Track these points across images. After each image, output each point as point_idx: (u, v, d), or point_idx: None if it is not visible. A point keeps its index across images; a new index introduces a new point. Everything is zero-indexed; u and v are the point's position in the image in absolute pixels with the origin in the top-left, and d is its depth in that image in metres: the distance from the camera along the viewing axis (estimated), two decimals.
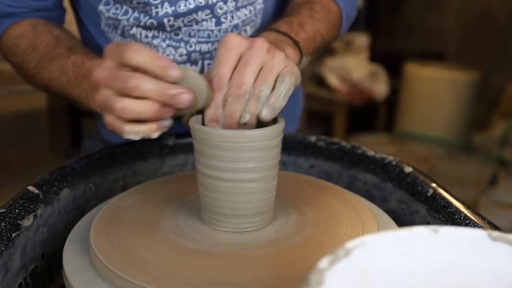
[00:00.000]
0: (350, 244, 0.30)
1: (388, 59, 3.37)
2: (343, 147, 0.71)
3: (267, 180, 0.50)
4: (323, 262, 0.28)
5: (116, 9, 0.71)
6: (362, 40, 3.25)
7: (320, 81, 2.98)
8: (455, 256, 0.31)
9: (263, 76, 0.50)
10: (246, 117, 0.50)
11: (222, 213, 0.50)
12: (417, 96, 3.11)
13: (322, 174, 0.73)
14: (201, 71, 0.75)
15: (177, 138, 0.72)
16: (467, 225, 0.51)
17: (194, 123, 0.50)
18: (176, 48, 0.73)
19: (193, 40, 0.73)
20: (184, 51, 0.74)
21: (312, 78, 3.02)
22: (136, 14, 0.70)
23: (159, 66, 0.47)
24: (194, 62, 0.75)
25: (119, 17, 0.71)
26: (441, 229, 0.31)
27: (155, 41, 0.72)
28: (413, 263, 0.31)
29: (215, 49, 0.75)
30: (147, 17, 0.70)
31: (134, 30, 0.71)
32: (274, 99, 0.50)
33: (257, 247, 0.48)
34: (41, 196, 0.56)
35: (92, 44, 0.77)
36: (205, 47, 0.74)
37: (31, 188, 0.55)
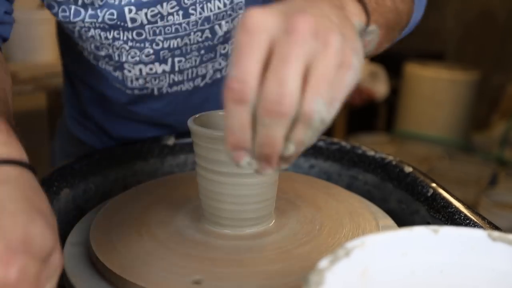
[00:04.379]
0: (350, 244, 0.30)
1: (388, 59, 3.36)
2: (343, 147, 0.71)
3: (268, 183, 0.50)
4: (323, 262, 0.28)
5: (64, 11, 0.62)
6: None
7: None
8: (455, 256, 0.31)
9: (315, 85, 0.33)
10: (291, 149, 0.35)
11: (223, 216, 0.50)
12: (417, 96, 3.11)
13: (322, 174, 0.73)
14: (172, 69, 0.69)
15: (177, 138, 0.72)
16: (467, 225, 0.51)
17: (193, 125, 0.49)
18: (141, 49, 0.66)
19: (159, 38, 0.66)
20: (151, 51, 0.67)
21: None
22: (91, 11, 0.62)
23: None
24: (163, 61, 0.68)
25: (72, 19, 0.62)
26: (441, 229, 0.31)
27: (117, 43, 0.65)
28: (413, 263, 0.31)
29: (186, 44, 0.67)
30: (105, 10, 0.61)
31: (92, 32, 0.63)
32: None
33: (258, 249, 0.48)
34: None
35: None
36: (174, 43, 0.67)
37: None
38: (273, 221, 0.52)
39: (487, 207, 2.15)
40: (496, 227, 0.49)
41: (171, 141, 0.72)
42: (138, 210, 0.54)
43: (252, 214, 0.50)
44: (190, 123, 0.49)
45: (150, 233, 0.50)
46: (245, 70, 0.33)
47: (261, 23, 0.34)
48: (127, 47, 0.66)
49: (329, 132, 2.97)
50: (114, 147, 0.70)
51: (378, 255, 0.30)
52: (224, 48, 0.70)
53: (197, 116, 0.51)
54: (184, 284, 0.42)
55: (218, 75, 0.73)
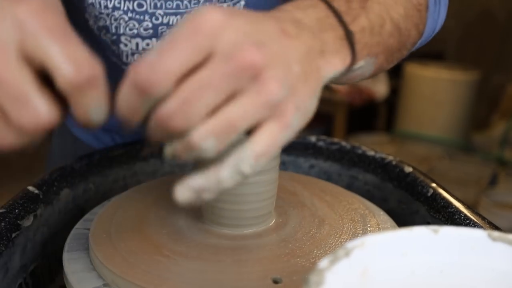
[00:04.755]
0: (350, 244, 0.30)
1: None
2: (343, 147, 0.71)
3: (268, 182, 0.50)
4: (323, 262, 0.28)
5: None
6: None
7: None
8: (455, 256, 0.31)
9: (214, 123, 0.31)
10: (169, 151, 0.33)
11: (222, 215, 0.50)
12: (417, 96, 3.11)
13: (322, 174, 0.73)
14: None
15: None
16: (467, 225, 0.51)
17: None
18: (140, 21, 0.65)
19: (159, 12, 0.64)
20: (150, 25, 0.65)
21: None
22: None
23: None
24: (161, 37, 0.66)
25: None
26: (441, 229, 0.31)
27: (116, 13, 0.64)
28: (413, 263, 0.31)
29: None
30: None
31: None
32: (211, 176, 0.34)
33: (258, 249, 0.48)
34: (41, 196, 0.56)
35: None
36: (173, 20, 0.65)
37: (31, 188, 0.55)
38: (273, 220, 0.52)
39: (487, 207, 2.15)
40: (496, 227, 0.49)
41: None
42: (138, 210, 0.54)
43: (252, 214, 0.50)
44: None
45: (151, 233, 0.50)
46: (166, 68, 0.30)
47: (211, 28, 0.31)
48: (126, 18, 0.65)
49: (329, 132, 2.97)
50: (114, 147, 0.70)
51: (378, 255, 0.30)
52: None
53: None
54: (184, 284, 0.42)
55: None
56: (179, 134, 0.31)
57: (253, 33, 0.32)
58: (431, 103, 3.05)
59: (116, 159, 0.68)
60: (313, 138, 0.73)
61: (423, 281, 0.31)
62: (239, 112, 0.31)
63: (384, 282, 0.30)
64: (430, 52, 3.40)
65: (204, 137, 0.31)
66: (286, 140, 0.33)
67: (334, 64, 0.38)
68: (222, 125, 0.31)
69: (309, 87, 0.35)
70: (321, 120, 3.05)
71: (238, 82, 0.31)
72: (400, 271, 0.31)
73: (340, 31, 0.39)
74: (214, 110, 0.31)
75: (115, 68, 0.72)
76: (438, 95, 3.03)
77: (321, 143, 0.72)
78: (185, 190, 0.33)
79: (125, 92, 0.32)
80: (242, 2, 0.68)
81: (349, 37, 0.40)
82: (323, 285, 0.26)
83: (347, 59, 0.39)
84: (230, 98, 0.31)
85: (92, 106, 0.34)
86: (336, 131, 2.91)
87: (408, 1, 0.49)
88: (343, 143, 0.71)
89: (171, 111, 0.30)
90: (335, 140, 0.72)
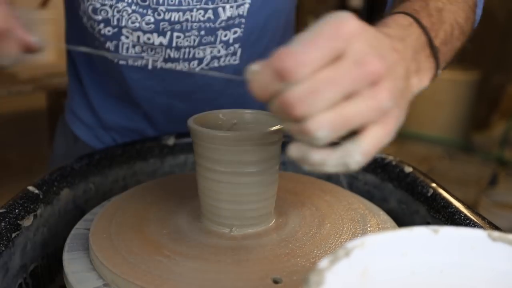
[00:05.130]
0: (350, 244, 0.30)
1: None
2: None
3: (267, 182, 0.50)
4: (323, 262, 0.28)
5: None
6: None
7: None
8: (455, 256, 0.31)
9: (331, 115, 0.34)
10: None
11: (222, 215, 0.50)
12: (417, 96, 3.09)
13: (322, 174, 0.72)
14: (169, 44, 0.69)
15: (177, 138, 0.72)
16: (467, 225, 0.51)
17: (193, 124, 0.49)
18: (142, 15, 0.66)
19: (161, 8, 0.66)
20: (152, 19, 0.67)
21: None
22: None
23: None
24: (162, 33, 0.68)
25: None
26: (441, 229, 0.31)
27: (120, 5, 0.66)
28: (413, 263, 0.31)
29: (187, 20, 0.68)
30: None
31: None
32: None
33: (258, 249, 0.48)
34: (41, 196, 0.56)
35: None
36: (175, 16, 0.67)
37: (31, 188, 0.55)
38: (273, 220, 0.52)
39: (487, 207, 2.15)
40: (496, 227, 0.49)
41: (171, 141, 0.72)
42: (138, 211, 0.54)
43: (252, 214, 0.50)
44: (190, 122, 0.50)
45: (150, 233, 0.50)
46: (307, 60, 0.32)
47: (349, 33, 0.34)
48: (130, 11, 0.66)
49: None
50: (114, 147, 0.70)
51: (378, 255, 0.30)
52: (225, 35, 0.70)
53: (196, 116, 0.52)
54: (184, 284, 0.42)
55: (216, 63, 0.72)
56: (298, 119, 0.34)
57: (376, 46, 0.36)
58: (431, 103, 3.05)
59: (116, 159, 0.68)
60: None
61: (423, 281, 0.31)
62: (354, 111, 0.34)
63: (384, 282, 0.30)
64: None
65: (321, 126, 0.33)
66: (384, 145, 0.36)
67: (424, 82, 0.43)
68: (338, 119, 0.33)
69: (404, 102, 0.39)
70: None
71: (359, 85, 0.34)
72: (400, 271, 0.31)
73: (428, 49, 0.44)
74: (333, 105, 0.33)
75: (109, 66, 0.72)
76: (438, 95, 3.03)
77: None
78: (295, 149, 0.36)
79: (263, 73, 0.34)
80: (247, 5, 0.68)
81: (435, 53, 0.45)
82: (323, 285, 0.26)
83: (432, 74, 0.45)
84: (348, 97, 0.34)
85: (3, 55, 0.40)
86: None
87: (465, 3, 0.53)
88: None
89: (298, 97, 0.33)
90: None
